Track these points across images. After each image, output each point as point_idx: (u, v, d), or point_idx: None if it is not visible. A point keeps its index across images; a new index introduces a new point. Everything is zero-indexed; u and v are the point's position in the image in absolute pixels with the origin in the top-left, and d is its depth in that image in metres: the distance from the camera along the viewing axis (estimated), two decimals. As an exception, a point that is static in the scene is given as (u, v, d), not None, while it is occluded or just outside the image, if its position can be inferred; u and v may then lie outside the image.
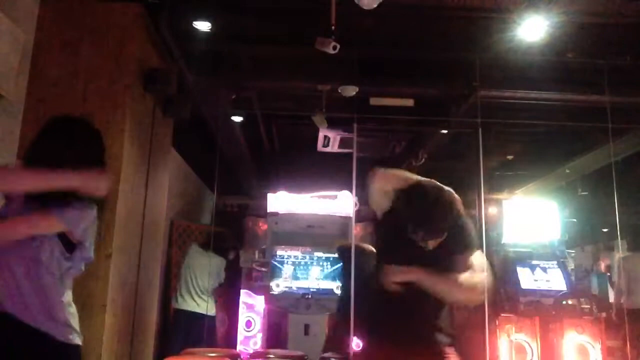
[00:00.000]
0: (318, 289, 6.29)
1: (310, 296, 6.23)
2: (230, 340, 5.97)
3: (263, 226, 6.61)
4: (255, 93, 5.06)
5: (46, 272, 1.73)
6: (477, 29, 3.85)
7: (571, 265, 6.87)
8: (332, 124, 5.27)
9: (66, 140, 1.78)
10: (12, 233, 1.69)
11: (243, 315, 5.97)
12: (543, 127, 5.50)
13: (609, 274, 8.22)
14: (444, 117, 5.25)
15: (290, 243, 6.44)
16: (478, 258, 2.16)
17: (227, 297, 6.08)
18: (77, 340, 1.81)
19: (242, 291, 6.01)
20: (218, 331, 5.54)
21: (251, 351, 5.46)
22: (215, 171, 5.18)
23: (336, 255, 4.90)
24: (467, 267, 2.11)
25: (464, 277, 2.08)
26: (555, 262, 5.25)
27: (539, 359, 4.66)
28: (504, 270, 5.18)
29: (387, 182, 2.27)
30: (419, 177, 2.22)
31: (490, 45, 3.96)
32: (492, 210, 5.59)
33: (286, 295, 6.19)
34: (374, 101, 5.05)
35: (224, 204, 7.20)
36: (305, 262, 6.40)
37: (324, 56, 3.37)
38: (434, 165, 6.21)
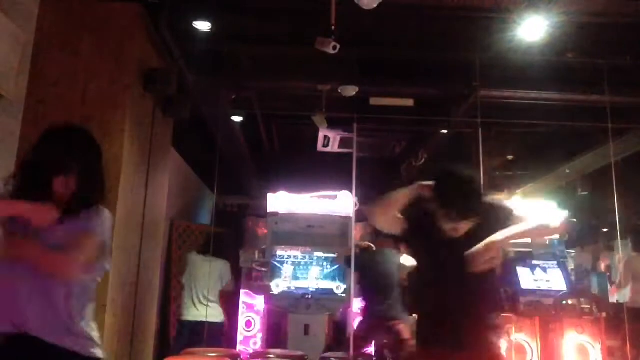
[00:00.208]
0: (318, 289, 6.29)
1: (310, 296, 6.22)
2: (230, 340, 5.97)
3: (263, 226, 6.61)
4: (255, 93, 5.06)
5: (68, 287, 1.69)
6: (477, 29, 3.85)
7: (571, 265, 6.88)
8: (332, 124, 5.27)
9: (65, 148, 1.75)
10: (70, 265, 1.65)
11: (243, 315, 5.96)
12: (543, 127, 5.50)
13: (609, 273, 8.22)
14: (444, 117, 5.25)
15: (290, 243, 6.43)
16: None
17: (227, 297, 6.08)
18: (100, 354, 1.76)
19: (242, 291, 6.01)
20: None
21: (251, 351, 5.45)
22: (215, 171, 5.18)
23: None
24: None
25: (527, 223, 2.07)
26: (555, 262, 5.24)
27: (539, 359, 4.66)
28: (504, 271, 5.18)
29: (389, 210, 2.24)
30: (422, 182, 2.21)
31: (490, 45, 3.96)
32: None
33: (286, 295, 6.19)
34: (374, 101, 5.06)
35: (224, 204, 7.20)
36: (305, 262, 6.39)
37: (324, 56, 3.37)
38: (434, 165, 6.22)
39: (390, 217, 2.24)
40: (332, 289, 6.29)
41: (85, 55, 3.35)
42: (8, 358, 1.63)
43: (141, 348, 3.88)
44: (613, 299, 6.38)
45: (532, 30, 3.70)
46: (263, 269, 5.92)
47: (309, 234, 6.49)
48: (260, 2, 3.82)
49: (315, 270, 6.37)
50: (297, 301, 6.18)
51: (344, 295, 6.25)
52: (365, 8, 2.98)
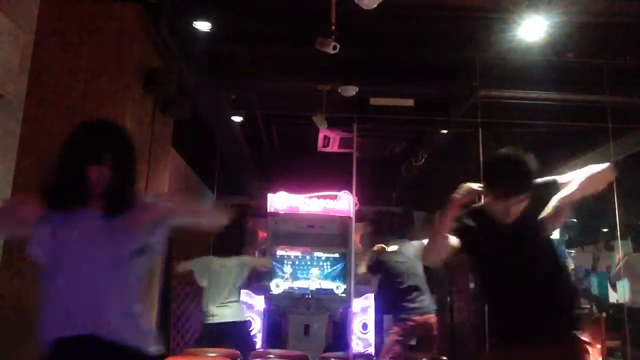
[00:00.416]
0: (318, 289, 6.30)
1: (310, 296, 6.23)
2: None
3: (263, 226, 6.61)
4: (255, 93, 5.06)
5: (129, 280, 1.72)
6: (477, 29, 3.85)
7: (571, 266, 6.87)
8: (332, 124, 5.27)
9: (99, 139, 1.79)
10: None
11: (243, 315, 5.96)
12: (543, 127, 5.50)
13: (609, 273, 8.21)
14: (444, 117, 5.25)
15: (290, 243, 6.44)
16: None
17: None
18: (160, 349, 1.77)
19: (242, 291, 6.02)
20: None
21: (251, 351, 5.45)
22: (215, 171, 5.18)
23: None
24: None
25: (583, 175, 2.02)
26: (555, 262, 5.24)
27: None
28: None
29: (437, 239, 2.16)
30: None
31: (490, 45, 3.96)
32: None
33: (286, 295, 6.20)
34: (374, 101, 5.06)
35: (224, 204, 7.20)
36: (305, 262, 6.40)
37: (324, 56, 3.37)
38: (434, 165, 6.22)
39: (440, 244, 2.14)
40: (332, 289, 6.30)
41: (85, 55, 3.34)
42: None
43: (141, 348, 3.87)
44: (613, 299, 6.39)
45: (532, 30, 3.69)
46: (263, 269, 5.91)
47: (309, 234, 6.50)
48: (260, 2, 3.82)
49: (315, 270, 6.37)
50: (297, 301, 6.19)
51: (344, 295, 6.25)
52: (365, 8, 2.98)
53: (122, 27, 3.41)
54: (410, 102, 5.04)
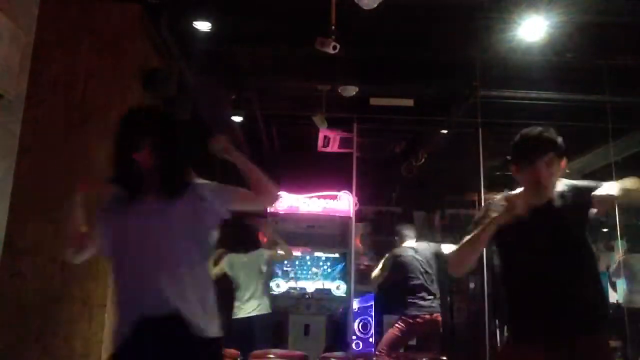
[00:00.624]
0: (318, 289, 6.29)
1: (310, 296, 6.23)
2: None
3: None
4: (255, 93, 5.06)
5: (191, 263, 1.76)
6: (477, 29, 3.85)
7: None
8: (332, 124, 5.27)
9: (137, 125, 1.84)
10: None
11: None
12: (543, 127, 5.49)
13: (609, 273, 8.21)
14: (444, 117, 5.25)
15: (290, 243, 6.43)
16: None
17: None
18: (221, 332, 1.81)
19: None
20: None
21: (251, 351, 5.45)
22: (215, 171, 5.16)
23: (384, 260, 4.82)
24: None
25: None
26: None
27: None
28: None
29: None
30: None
31: (490, 45, 3.96)
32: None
33: (286, 295, 6.19)
34: (374, 101, 5.06)
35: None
36: (305, 262, 6.40)
37: (324, 56, 3.37)
38: (434, 165, 6.22)
39: (474, 258, 2.09)
40: (332, 289, 6.29)
41: (85, 55, 3.34)
42: (154, 341, 1.66)
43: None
44: (613, 299, 6.38)
45: (532, 30, 3.70)
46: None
47: (309, 234, 6.49)
48: (260, 2, 3.81)
49: (315, 270, 6.37)
50: (297, 301, 6.18)
51: (344, 295, 6.25)
52: (365, 8, 2.98)
53: (122, 27, 3.40)
54: (410, 102, 5.04)
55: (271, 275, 5.17)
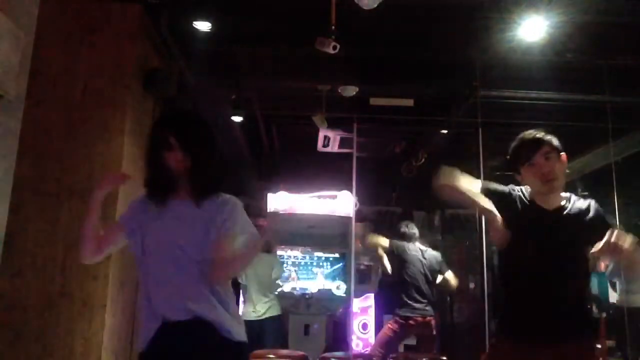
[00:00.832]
0: (318, 289, 6.30)
1: (310, 296, 6.23)
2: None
3: (263, 224, 6.61)
4: (255, 93, 5.06)
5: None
6: (477, 29, 3.85)
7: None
8: (332, 124, 5.27)
9: (167, 127, 1.83)
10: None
11: (244, 315, 5.97)
12: (543, 127, 5.49)
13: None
14: (444, 117, 5.25)
15: (290, 243, 6.44)
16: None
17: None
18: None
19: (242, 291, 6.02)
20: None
21: (251, 351, 5.46)
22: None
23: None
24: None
25: None
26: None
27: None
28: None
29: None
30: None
31: (490, 45, 3.96)
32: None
33: (286, 295, 6.20)
34: (374, 101, 5.05)
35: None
36: (306, 262, 6.40)
37: (324, 56, 3.37)
38: (434, 165, 6.21)
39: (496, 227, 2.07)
40: (332, 289, 6.29)
41: (85, 55, 3.35)
42: (178, 345, 1.65)
43: (141, 348, 3.88)
44: (613, 299, 6.38)
45: (532, 30, 3.69)
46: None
47: (309, 234, 6.50)
48: (260, 2, 3.81)
49: (315, 271, 6.37)
50: (297, 301, 6.19)
51: (344, 295, 6.25)
52: (365, 8, 2.97)
53: (122, 27, 3.41)
54: (410, 102, 5.04)
55: (280, 277, 5.17)
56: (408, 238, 4.72)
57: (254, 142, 6.22)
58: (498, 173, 6.86)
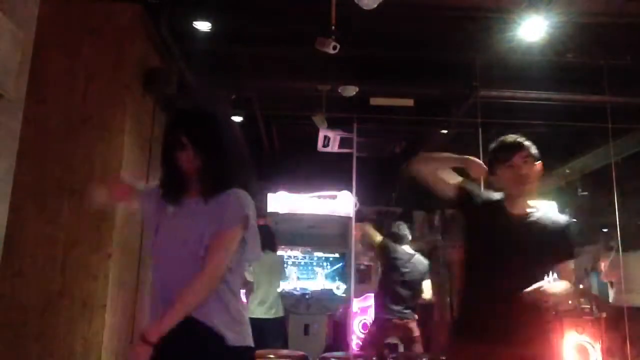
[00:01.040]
0: (318, 289, 6.30)
1: (310, 296, 6.23)
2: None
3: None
4: (255, 93, 5.06)
5: (235, 266, 1.74)
6: (477, 29, 3.85)
7: (571, 265, 6.85)
8: (332, 124, 5.27)
9: (178, 125, 1.81)
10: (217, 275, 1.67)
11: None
12: (543, 127, 5.50)
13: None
14: (444, 117, 5.25)
15: (290, 243, 6.44)
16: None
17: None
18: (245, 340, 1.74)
19: (242, 291, 6.02)
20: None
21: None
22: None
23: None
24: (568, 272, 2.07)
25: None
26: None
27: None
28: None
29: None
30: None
31: (490, 45, 3.96)
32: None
33: (286, 295, 6.20)
34: (374, 101, 5.05)
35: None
36: (306, 262, 6.41)
37: (324, 56, 3.37)
38: (434, 165, 6.20)
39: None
40: (332, 289, 6.30)
41: (85, 55, 3.35)
42: (178, 345, 1.61)
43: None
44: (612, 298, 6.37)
45: (532, 30, 3.69)
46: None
47: (309, 234, 6.51)
48: (260, 2, 3.81)
49: (315, 271, 6.38)
50: (297, 301, 6.19)
51: (344, 295, 6.26)
52: (365, 8, 2.97)
53: (122, 27, 3.41)
54: (410, 102, 5.04)
55: (284, 277, 5.16)
56: (399, 240, 4.65)
57: (254, 142, 6.22)
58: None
